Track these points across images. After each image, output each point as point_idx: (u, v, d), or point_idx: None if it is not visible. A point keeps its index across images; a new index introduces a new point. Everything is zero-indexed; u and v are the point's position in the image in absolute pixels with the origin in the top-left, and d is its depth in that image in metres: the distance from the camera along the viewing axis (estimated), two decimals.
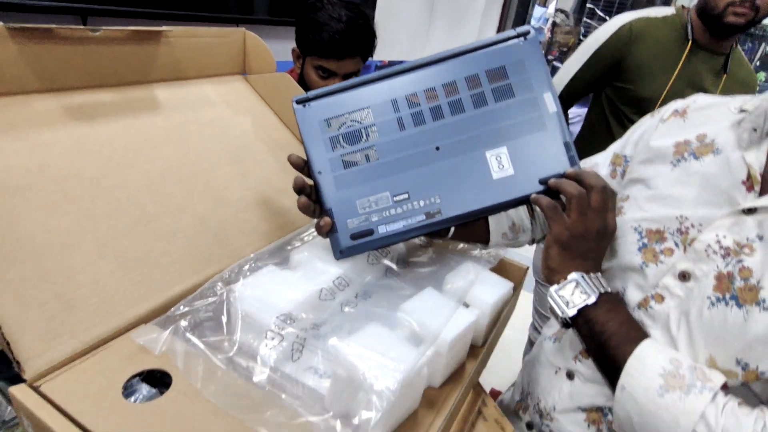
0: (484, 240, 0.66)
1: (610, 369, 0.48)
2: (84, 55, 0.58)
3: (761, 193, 0.47)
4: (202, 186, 0.61)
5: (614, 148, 0.65)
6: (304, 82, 1.11)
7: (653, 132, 0.58)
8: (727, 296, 0.45)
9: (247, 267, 0.53)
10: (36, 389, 0.38)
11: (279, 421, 0.38)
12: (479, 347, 0.57)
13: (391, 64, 1.66)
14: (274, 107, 0.81)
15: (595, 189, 0.49)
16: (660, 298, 0.51)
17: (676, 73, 1.18)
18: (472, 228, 0.64)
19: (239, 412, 0.38)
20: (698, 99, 0.58)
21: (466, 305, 0.56)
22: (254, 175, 0.68)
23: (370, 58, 1.11)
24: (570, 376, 0.57)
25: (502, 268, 0.65)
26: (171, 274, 0.51)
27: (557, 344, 0.61)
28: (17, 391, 0.37)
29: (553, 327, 0.65)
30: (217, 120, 0.71)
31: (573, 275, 0.49)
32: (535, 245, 1.08)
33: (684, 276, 0.49)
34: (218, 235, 0.58)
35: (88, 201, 0.51)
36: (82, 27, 0.56)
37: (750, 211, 0.46)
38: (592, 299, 0.48)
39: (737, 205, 0.47)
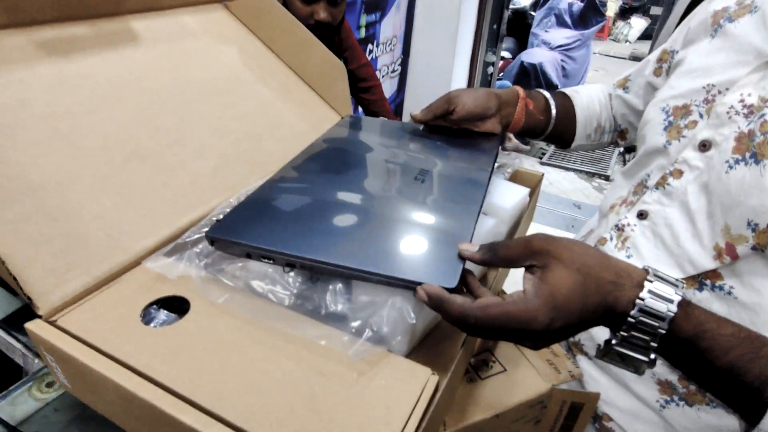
0: (568, 141, 0.69)
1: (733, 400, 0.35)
2: None
3: None
4: (196, 117, 0.58)
5: (665, 44, 0.62)
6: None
7: (698, 13, 0.55)
8: (747, 155, 0.42)
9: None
10: (53, 323, 0.37)
11: (308, 327, 0.37)
12: None
13: None
14: (259, 34, 0.76)
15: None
16: (678, 174, 0.49)
17: None
18: (560, 129, 0.67)
19: (267, 321, 0.37)
20: None
21: (484, 214, 0.54)
22: (248, 104, 0.65)
23: None
24: None
25: (517, 177, 0.63)
26: (176, 206, 0.49)
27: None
28: (34, 326, 0.36)
29: (582, 231, 0.65)
30: (201, 50, 0.67)
31: (601, 346, 0.35)
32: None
33: (704, 145, 0.47)
34: (218, 165, 0.55)
35: (79, 136, 0.48)
36: None
37: None
38: (652, 355, 0.33)
39: (766, 57, 0.44)
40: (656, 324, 0.32)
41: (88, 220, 0.43)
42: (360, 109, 1.48)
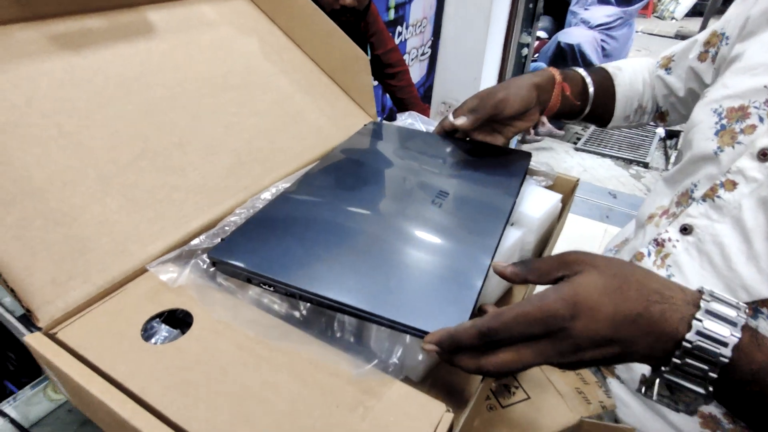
0: (605, 122, 0.65)
1: None
2: None
3: None
4: (210, 113, 0.55)
5: (716, 24, 0.55)
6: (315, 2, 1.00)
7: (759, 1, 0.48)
8: None
9: (268, 196, 0.48)
10: (52, 337, 0.36)
11: (314, 348, 0.34)
12: None
13: None
14: (281, 25, 0.73)
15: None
16: (731, 185, 0.43)
17: None
18: (597, 110, 0.62)
19: (272, 340, 0.35)
20: None
21: (511, 224, 0.50)
22: (265, 99, 0.62)
23: None
24: None
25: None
26: (185, 209, 0.47)
27: (617, 255, 0.55)
28: (32, 340, 0.35)
29: (616, 240, 0.59)
30: (218, 42, 0.64)
31: (646, 376, 0.31)
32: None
33: (765, 154, 0.41)
34: (231, 165, 0.53)
35: (85, 135, 0.46)
36: None
37: None
38: (703, 389, 0.28)
39: None
40: (717, 350, 0.27)
41: (92, 225, 0.42)
42: (388, 95, 1.44)
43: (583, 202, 2.54)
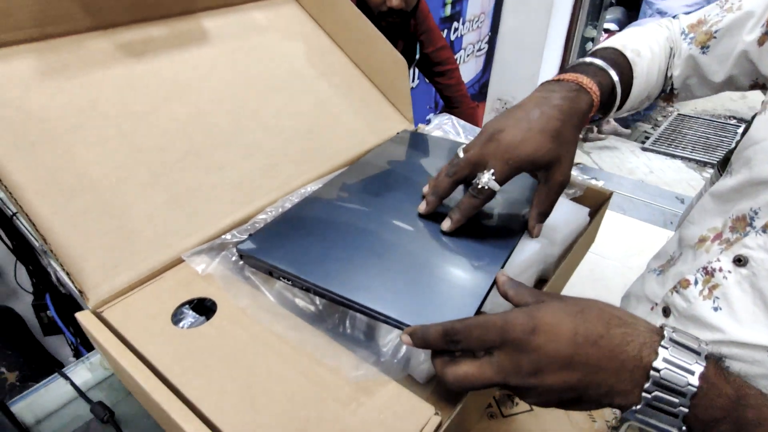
0: (606, 115, 0.56)
1: None
2: None
3: None
4: (251, 115, 0.59)
5: None
6: (363, 3, 1.03)
7: None
8: None
9: (296, 198, 0.52)
10: (98, 315, 0.41)
11: (322, 344, 0.37)
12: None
13: None
14: (326, 28, 0.76)
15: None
16: None
17: None
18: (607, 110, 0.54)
19: (285, 333, 0.38)
20: None
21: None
22: (305, 101, 0.65)
23: None
24: (666, 312, 0.49)
25: (583, 195, 0.57)
26: (222, 206, 0.52)
27: (661, 276, 0.53)
28: (82, 316, 0.40)
29: (660, 259, 0.56)
30: (265, 46, 0.68)
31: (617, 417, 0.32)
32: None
33: None
34: (267, 165, 0.57)
35: (140, 135, 0.51)
36: None
37: None
38: (676, 428, 0.28)
39: None
40: (684, 378, 0.26)
41: (139, 218, 0.47)
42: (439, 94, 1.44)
43: (645, 205, 2.40)
